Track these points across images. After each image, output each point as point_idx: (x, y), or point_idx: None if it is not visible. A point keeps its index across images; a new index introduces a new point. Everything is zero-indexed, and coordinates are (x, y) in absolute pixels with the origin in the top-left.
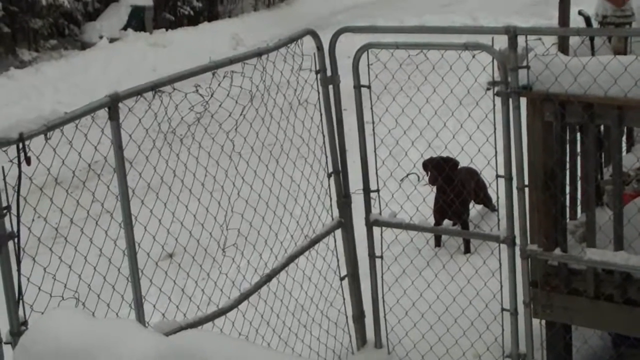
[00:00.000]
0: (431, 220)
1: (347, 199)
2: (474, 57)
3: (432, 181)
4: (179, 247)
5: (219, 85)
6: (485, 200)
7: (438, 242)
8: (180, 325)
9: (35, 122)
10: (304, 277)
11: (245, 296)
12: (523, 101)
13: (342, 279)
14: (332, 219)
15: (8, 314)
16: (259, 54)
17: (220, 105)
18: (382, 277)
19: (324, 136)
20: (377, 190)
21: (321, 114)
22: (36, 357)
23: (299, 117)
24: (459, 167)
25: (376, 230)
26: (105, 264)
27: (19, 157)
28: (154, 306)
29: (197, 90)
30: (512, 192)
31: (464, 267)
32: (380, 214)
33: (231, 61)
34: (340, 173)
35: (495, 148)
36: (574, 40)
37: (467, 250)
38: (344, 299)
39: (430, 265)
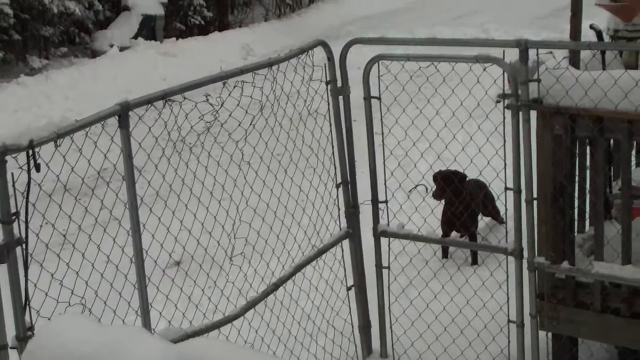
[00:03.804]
0: (439, 232)
1: (355, 209)
2: (485, 70)
3: (437, 196)
4: (187, 255)
5: (229, 95)
6: (493, 212)
7: (446, 254)
8: (187, 333)
9: (46, 130)
10: (310, 287)
11: (252, 305)
12: (533, 114)
13: (349, 289)
14: (340, 230)
15: (15, 319)
16: (270, 64)
17: (230, 115)
18: (389, 287)
19: (333, 147)
20: (386, 202)
21: (331, 125)
22: None
23: (309, 128)
24: (468, 179)
25: (384, 241)
26: (113, 271)
27: (28, 164)
28: (161, 314)
29: (207, 100)
30: (521, 205)
31: (471, 278)
32: (388, 225)
33: (242, 71)
34: (349, 184)
35: (505, 161)
36: (585, 54)
37: (475, 262)
38: (350, 309)
39: (438, 276)
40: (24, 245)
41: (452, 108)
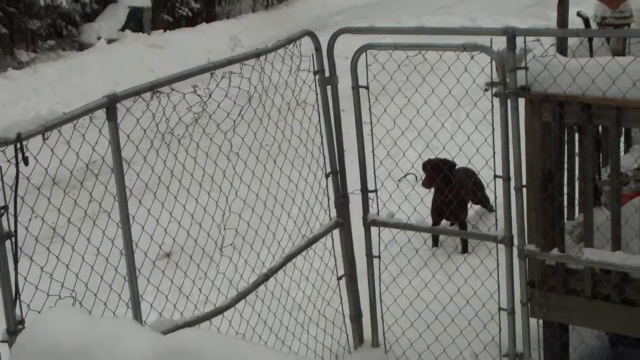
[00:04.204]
0: (429, 220)
1: (344, 199)
2: (472, 58)
3: (426, 184)
4: (177, 247)
5: (217, 85)
6: (483, 200)
7: (435, 242)
8: (177, 324)
9: (33, 123)
10: (301, 277)
11: (242, 295)
12: (521, 102)
13: (339, 278)
14: (330, 219)
15: (5, 312)
16: (257, 54)
17: (218, 106)
18: (379, 276)
19: (322, 136)
20: (375, 191)
21: (319, 115)
22: (33, 355)
23: (297, 118)
24: (457, 167)
25: (374, 230)
26: (103, 263)
27: (16, 157)
28: (151, 305)
29: (195, 91)
30: (510, 193)
31: (461, 266)
32: (378, 214)
33: (229, 62)
34: (338, 173)
35: (494, 148)
36: (572, 41)
37: (465, 250)
38: (341, 298)
39: (428, 265)
40: (13, 239)
41: (440, 96)
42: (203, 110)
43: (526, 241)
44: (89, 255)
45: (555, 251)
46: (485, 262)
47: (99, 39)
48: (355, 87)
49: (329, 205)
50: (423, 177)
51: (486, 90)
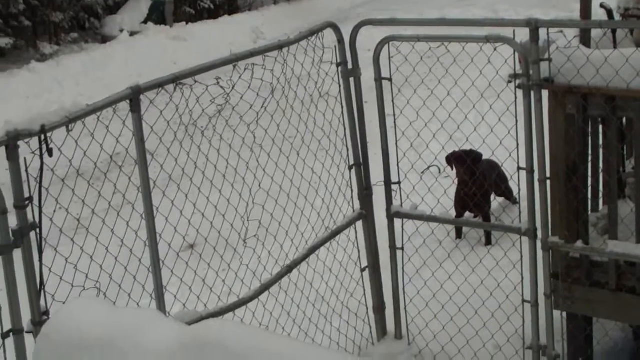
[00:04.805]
0: (452, 212)
1: (368, 191)
2: (495, 49)
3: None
4: (200, 238)
5: (240, 77)
6: (506, 192)
7: (459, 234)
8: (201, 315)
9: (57, 114)
10: (324, 268)
11: (265, 287)
12: (545, 94)
13: (362, 270)
14: (354, 211)
15: (30, 303)
16: (280, 46)
17: (241, 98)
18: (402, 268)
19: (345, 128)
20: (399, 182)
21: (342, 107)
22: (58, 346)
23: (320, 110)
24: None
25: (397, 222)
26: (127, 255)
27: (40, 148)
28: (175, 296)
29: (218, 83)
30: (534, 185)
31: (485, 258)
32: (401, 205)
33: (252, 54)
34: (361, 165)
35: (517, 140)
36: (596, 33)
37: (489, 242)
38: (364, 290)
39: (451, 256)
40: (38, 230)
41: (463, 88)
42: (226, 102)
43: (550, 233)
44: (113, 246)
45: (579, 243)
46: (509, 254)
47: (121, 31)
48: (378, 79)
49: (352, 197)
50: (456, 170)
51: (509, 82)
